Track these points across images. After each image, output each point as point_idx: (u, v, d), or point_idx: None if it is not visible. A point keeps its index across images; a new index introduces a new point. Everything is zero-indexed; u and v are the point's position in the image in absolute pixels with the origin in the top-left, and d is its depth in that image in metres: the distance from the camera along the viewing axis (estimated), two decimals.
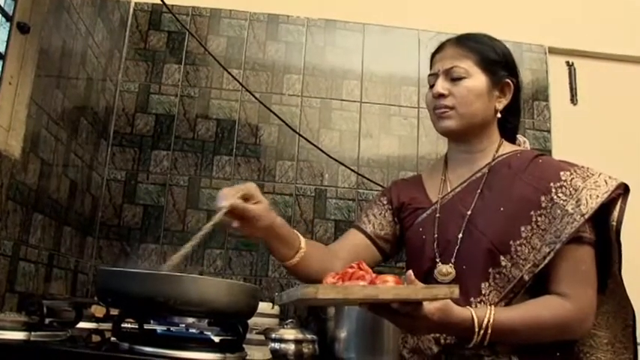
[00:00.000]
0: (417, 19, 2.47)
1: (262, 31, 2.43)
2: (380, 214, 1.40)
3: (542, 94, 2.50)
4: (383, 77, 2.44)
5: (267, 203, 1.18)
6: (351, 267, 1.01)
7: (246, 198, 1.14)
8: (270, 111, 2.30)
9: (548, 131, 2.45)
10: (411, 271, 1.01)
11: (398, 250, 1.43)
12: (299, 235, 1.27)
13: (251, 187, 1.17)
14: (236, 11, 2.43)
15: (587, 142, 2.42)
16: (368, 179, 2.29)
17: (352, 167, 2.31)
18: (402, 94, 2.42)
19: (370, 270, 1.01)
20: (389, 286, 0.97)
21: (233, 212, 1.11)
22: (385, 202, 1.41)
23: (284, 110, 2.34)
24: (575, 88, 2.57)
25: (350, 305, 1.69)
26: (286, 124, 2.30)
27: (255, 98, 2.31)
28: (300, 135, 2.30)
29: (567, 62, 2.60)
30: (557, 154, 2.34)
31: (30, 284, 1.55)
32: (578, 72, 2.58)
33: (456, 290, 0.97)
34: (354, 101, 2.40)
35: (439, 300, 1.01)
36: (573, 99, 2.56)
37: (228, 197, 1.11)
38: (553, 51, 2.56)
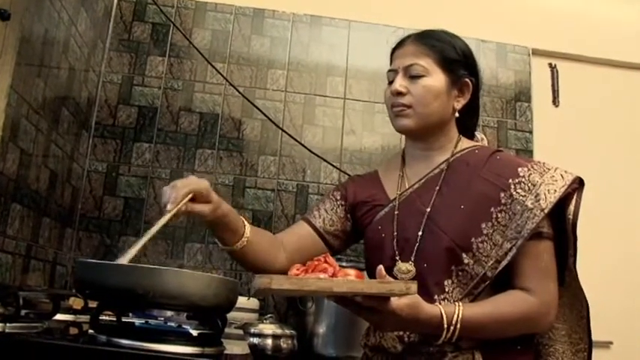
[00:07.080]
0: (403, 17, 2.47)
1: (247, 26, 2.42)
2: (332, 210, 1.38)
3: (524, 95, 2.52)
4: (367, 74, 2.44)
5: (215, 202, 1.15)
6: (318, 260, 1.03)
7: (193, 197, 1.11)
8: (254, 106, 2.29)
9: (530, 132, 2.48)
10: (381, 267, 1.03)
11: (346, 246, 1.42)
12: (245, 222, 1.25)
13: (201, 186, 1.12)
14: (222, 5, 2.42)
15: (569, 144, 2.46)
16: (350, 176, 2.29)
17: (335, 164, 2.31)
18: None
19: (335, 264, 1.02)
20: (343, 280, 0.97)
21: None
22: (339, 198, 1.40)
23: (267, 105, 2.33)
24: (558, 90, 2.60)
25: (318, 296, 1.69)
26: (269, 119, 2.29)
27: (239, 92, 2.30)
28: (283, 130, 2.30)
29: (550, 64, 2.62)
30: (539, 155, 2.38)
31: (7, 275, 1.53)
32: (561, 74, 2.61)
33: (412, 287, 0.98)
34: (338, 98, 2.40)
35: (408, 296, 1.01)
36: (555, 100, 2.59)
37: (173, 201, 1.07)
38: (536, 52, 2.58)
